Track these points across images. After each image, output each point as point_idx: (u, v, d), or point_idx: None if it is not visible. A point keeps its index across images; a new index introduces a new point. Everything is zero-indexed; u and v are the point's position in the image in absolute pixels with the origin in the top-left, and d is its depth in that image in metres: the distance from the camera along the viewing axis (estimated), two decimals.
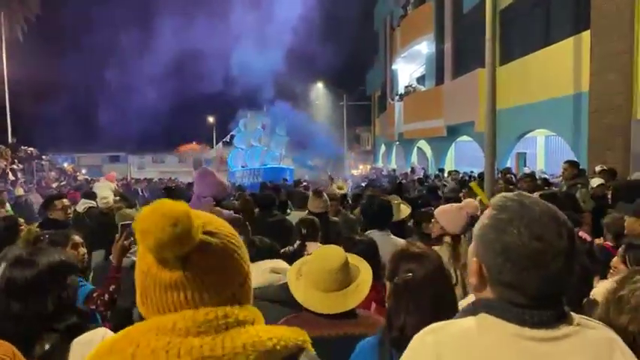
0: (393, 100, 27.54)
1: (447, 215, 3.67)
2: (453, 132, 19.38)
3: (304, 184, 13.42)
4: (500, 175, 10.38)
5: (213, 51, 33.91)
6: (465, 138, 19.10)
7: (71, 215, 5.68)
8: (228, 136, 32.84)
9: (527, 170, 13.75)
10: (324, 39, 35.21)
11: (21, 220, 4.46)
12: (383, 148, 34.62)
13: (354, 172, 31.69)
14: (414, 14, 23.24)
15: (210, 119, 47.74)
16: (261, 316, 1.08)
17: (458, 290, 3.13)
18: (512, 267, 1.09)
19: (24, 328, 1.78)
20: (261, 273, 2.67)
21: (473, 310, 1.18)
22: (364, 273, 2.30)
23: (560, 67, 11.86)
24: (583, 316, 1.18)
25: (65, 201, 5.58)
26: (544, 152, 17.18)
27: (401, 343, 1.57)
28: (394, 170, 24.79)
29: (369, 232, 3.95)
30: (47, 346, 1.77)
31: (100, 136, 41.57)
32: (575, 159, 9.06)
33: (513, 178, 9.38)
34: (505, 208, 1.14)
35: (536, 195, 4.28)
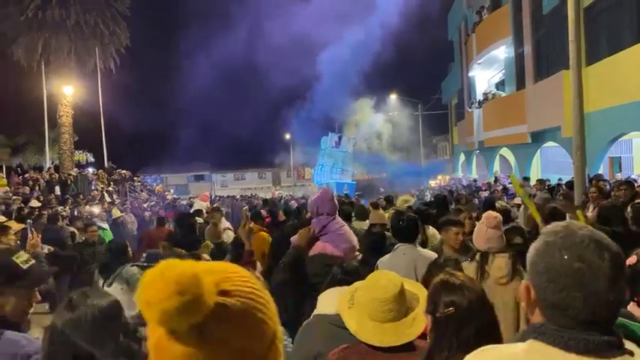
0: (470, 107, 26.77)
1: (476, 231, 3.72)
2: (538, 138, 18.52)
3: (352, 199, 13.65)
4: (591, 182, 9.71)
5: (291, 70, 34.86)
6: (550, 144, 18.18)
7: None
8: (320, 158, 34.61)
9: (619, 176, 12.78)
10: (397, 50, 35.08)
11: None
12: (462, 157, 33.68)
13: (432, 182, 31.05)
14: (490, 19, 22.55)
15: (287, 136, 48.76)
16: None
17: None
18: (554, 287, 1.13)
19: None
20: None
21: (523, 336, 1.21)
22: (423, 302, 2.08)
23: None
24: None
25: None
26: None
27: None
28: (475, 180, 24.01)
29: (397, 245, 4.06)
30: None
31: (186, 157, 43.82)
32: None
33: (607, 186, 8.68)
34: (553, 233, 1.20)
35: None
